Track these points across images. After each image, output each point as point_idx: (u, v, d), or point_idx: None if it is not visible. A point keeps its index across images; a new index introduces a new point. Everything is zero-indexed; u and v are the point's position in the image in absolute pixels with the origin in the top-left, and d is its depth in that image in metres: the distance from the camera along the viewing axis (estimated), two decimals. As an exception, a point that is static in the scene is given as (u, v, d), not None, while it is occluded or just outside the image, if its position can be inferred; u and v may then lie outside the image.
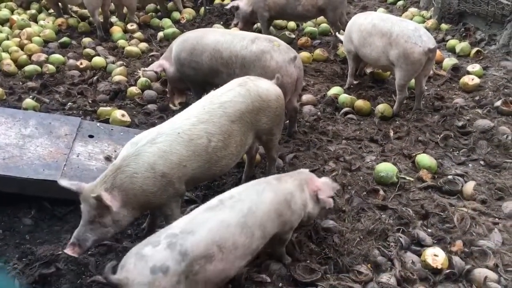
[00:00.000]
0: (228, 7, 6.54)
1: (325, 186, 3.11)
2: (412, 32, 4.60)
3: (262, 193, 2.82)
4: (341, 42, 5.82)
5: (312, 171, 4.08)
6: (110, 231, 2.88)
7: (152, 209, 3.19)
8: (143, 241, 2.53)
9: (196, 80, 4.52)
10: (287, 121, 4.62)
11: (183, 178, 3.04)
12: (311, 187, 3.06)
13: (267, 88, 3.43)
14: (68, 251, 2.79)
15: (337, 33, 6.26)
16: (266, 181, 2.96)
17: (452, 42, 6.50)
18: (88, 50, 6.34)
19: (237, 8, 6.43)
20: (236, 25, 6.61)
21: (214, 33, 4.45)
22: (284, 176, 3.05)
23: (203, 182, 3.60)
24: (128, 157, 2.90)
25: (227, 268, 2.60)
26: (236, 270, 2.68)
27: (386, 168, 3.97)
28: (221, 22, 7.21)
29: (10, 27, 6.90)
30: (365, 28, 4.97)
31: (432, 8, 7.55)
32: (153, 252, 2.42)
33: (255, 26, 7.07)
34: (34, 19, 7.42)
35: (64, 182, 2.86)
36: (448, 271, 3.10)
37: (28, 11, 7.62)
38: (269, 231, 2.79)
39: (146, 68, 5.04)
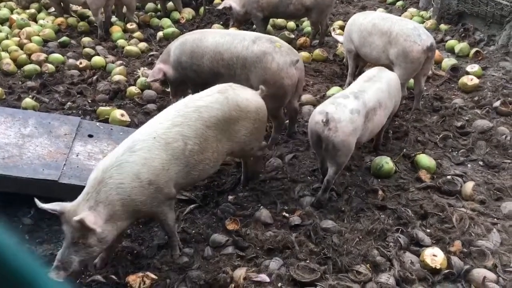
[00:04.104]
0: (220, 7, 6.56)
1: None
2: (411, 30, 4.62)
3: (390, 73, 4.10)
4: (340, 42, 5.81)
5: (312, 171, 4.12)
6: (96, 250, 2.81)
7: (143, 217, 3.14)
8: (331, 98, 3.70)
9: (198, 82, 4.51)
10: (287, 121, 4.63)
11: (171, 183, 3.00)
12: None
13: (248, 98, 3.35)
14: (53, 275, 2.68)
15: (333, 33, 6.28)
16: (386, 69, 4.20)
17: (451, 42, 6.50)
18: (87, 49, 6.34)
19: (230, 8, 6.45)
20: (233, 26, 6.62)
21: (213, 35, 4.40)
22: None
23: (184, 188, 3.45)
24: (109, 169, 2.82)
25: (380, 122, 3.83)
26: (379, 128, 3.93)
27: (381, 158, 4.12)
28: (221, 22, 7.20)
29: (10, 27, 6.89)
30: (365, 27, 4.98)
31: (432, 9, 7.55)
32: (347, 101, 3.54)
33: (253, 26, 7.09)
34: (33, 18, 7.40)
35: (45, 206, 2.75)
36: (447, 271, 3.11)
37: (28, 11, 7.60)
38: (394, 103, 4.02)
39: (148, 79, 4.97)
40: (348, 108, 3.50)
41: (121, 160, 2.85)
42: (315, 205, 3.69)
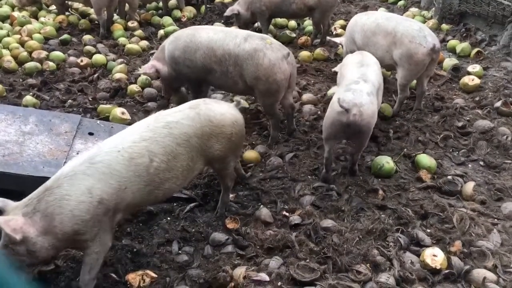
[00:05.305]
0: (227, 14, 6.59)
1: None
2: (417, 32, 4.57)
3: (371, 55, 4.39)
4: (339, 43, 5.78)
5: (312, 170, 4.12)
6: (25, 260, 2.57)
7: (74, 246, 2.86)
8: (342, 86, 3.90)
9: (191, 77, 4.53)
10: (285, 120, 4.63)
11: (121, 205, 2.78)
12: None
13: (222, 112, 3.17)
14: None
15: (328, 38, 6.30)
16: (366, 52, 4.52)
17: (452, 42, 6.49)
18: (88, 47, 6.33)
19: (238, 13, 6.49)
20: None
21: (207, 30, 4.44)
22: None
23: (142, 207, 3.28)
24: (61, 177, 2.61)
25: (380, 101, 4.05)
26: (378, 107, 3.99)
27: (382, 158, 4.13)
28: (222, 21, 7.20)
29: (11, 24, 6.89)
30: (369, 27, 4.93)
31: (433, 8, 7.55)
32: (360, 86, 3.77)
33: (255, 25, 7.08)
34: (34, 16, 7.40)
35: None
36: (447, 271, 3.11)
37: (29, 8, 7.60)
38: (381, 83, 4.15)
39: (139, 71, 4.99)
40: (365, 92, 3.71)
41: (76, 171, 2.63)
42: (349, 173, 4.05)
